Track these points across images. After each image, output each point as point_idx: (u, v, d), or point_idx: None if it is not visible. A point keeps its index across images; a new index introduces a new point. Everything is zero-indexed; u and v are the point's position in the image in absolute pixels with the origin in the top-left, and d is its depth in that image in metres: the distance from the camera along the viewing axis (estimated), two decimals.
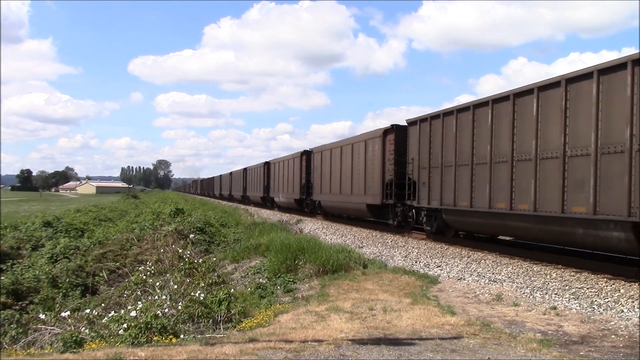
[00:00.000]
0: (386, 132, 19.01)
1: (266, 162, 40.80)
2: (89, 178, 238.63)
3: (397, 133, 18.19)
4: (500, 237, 15.31)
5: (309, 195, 29.51)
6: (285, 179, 33.95)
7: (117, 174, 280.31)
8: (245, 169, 51.14)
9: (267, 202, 40.96)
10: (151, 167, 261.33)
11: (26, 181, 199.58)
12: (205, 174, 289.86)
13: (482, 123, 13.15)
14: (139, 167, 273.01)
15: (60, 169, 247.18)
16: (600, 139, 9.63)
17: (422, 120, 16.16)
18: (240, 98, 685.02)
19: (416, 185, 16.69)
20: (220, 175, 74.75)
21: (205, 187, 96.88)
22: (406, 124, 17.66)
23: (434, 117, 15.53)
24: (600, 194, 9.62)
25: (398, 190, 17.83)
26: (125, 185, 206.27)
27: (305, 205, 30.39)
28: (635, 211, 8.85)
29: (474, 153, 13.50)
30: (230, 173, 62.56)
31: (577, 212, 10.11)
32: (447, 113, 14.82)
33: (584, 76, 10.08)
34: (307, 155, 30.14)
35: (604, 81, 9.60)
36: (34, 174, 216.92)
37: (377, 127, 25.17)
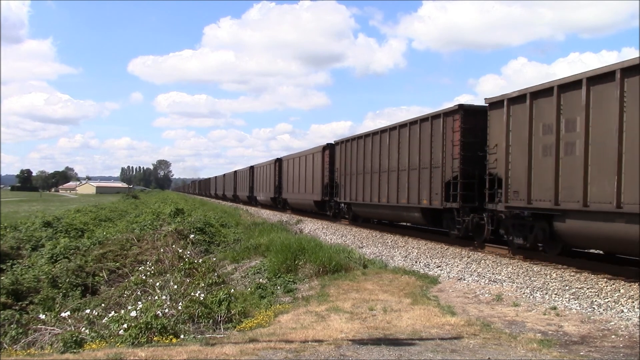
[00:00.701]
0: (324, 148, 26.21)
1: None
2: (89, 178, 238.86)
3: (330, 150, 25.77)
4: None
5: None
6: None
7: (117, 174, 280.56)
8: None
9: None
10: (151, 167, 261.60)
11: (26, 181, 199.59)
12: (205, 174, 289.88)
13: (366, 148, 20.78)
14: (139, 167, 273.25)
15: (60, 169, 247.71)
16: (410, 162, 17.06)
17: (341, 142, 23.96)
18: (240, 98, 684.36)
19: (339, 186, 23.82)
20: (216, 177, 79.37)
21: (203, 187, 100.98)
22: (334, 144, 25.30)
23: (346, 141, 23.20)
24: (410, 192, 16.95)
25: (331, 190, 25.09)
26: (125, 185, 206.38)
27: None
28: (422, 201, 16.21)
29: (364, 166, 20.85)
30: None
31: (402, 202, 17.58)
32: (351, 139, 22.60)
33: (413, 122, 17.10)
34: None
35: (418, 128, 16.65)
36: (34, 174, 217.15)
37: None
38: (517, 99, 12.13)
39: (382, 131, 19.34)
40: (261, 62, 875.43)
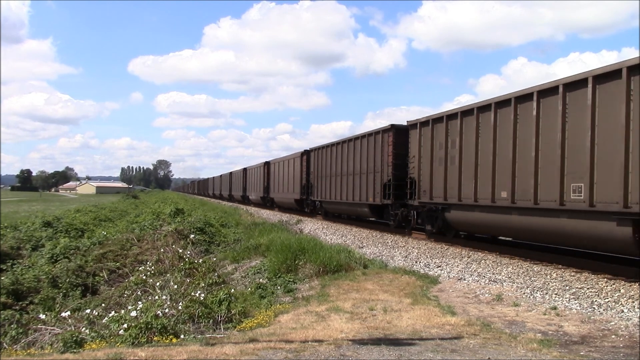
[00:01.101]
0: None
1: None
2: (88, 178, 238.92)
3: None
4: (501, 237, 15.30)
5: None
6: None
7: (117, 174, 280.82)
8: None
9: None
10: (151, 167, 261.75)
11: (26, 181, 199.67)
12: (205, 174, 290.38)
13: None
14: (139, 167, 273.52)
15: (60, 169, 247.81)
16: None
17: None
18: (240, 98, 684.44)
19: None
20: (213, 177, 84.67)
21: (201, 187, 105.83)
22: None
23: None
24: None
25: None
26: (125, 185, 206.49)
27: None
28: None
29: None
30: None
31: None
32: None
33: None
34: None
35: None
36: (34, 174, 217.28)
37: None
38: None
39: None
40: (261, 62, 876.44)
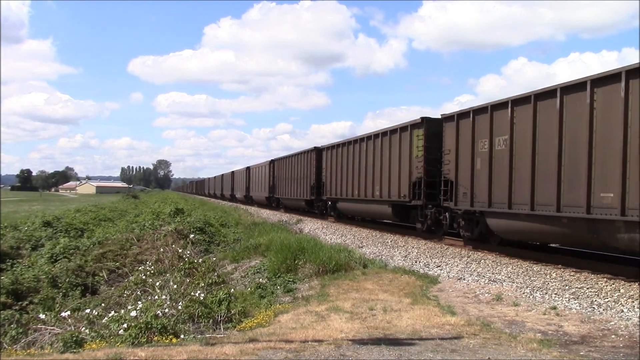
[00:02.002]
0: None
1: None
2: (88, 178, 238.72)
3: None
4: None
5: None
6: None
7: (117, 174, 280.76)
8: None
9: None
10: (151, 167, 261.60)
11: (26, 181, 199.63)
12: (205, 174, 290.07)
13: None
14: (139, 167, 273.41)
15: (60, 169, 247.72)
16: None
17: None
18: (241, 98, 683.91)
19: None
20: (215, 177, 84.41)
21: (199, 187, 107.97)
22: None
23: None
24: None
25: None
26: (125, 185, 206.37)
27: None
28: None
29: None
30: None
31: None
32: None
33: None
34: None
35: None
36: (34, 174, 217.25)
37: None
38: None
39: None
40: (261, 62, 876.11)
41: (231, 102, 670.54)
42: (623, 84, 9.27)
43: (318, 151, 28.04)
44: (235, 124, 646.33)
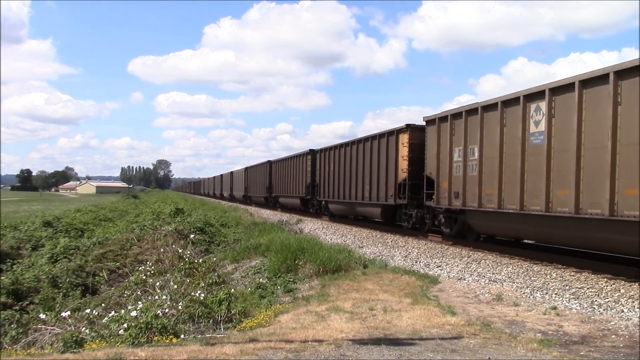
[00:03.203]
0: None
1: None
2: (89, 178, 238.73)
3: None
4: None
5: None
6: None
7: (117, 174, 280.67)
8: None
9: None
10: (151, 167, 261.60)
11: (26, 181, 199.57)
12: (205, 174, 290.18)
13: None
14: (139, 167, 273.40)
15: (60, 169, 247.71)
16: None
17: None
18: (241, 98, 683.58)
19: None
20: (214, 177, 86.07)
21: (202, 187, 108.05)
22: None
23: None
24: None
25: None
26: (125, 185, 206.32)
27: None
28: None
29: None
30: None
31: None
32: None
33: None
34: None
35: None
36: (34, 174, 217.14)
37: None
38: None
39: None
40: (261, 62, 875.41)
41: (231, 102, 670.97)
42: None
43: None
44: (235, 124, 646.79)
